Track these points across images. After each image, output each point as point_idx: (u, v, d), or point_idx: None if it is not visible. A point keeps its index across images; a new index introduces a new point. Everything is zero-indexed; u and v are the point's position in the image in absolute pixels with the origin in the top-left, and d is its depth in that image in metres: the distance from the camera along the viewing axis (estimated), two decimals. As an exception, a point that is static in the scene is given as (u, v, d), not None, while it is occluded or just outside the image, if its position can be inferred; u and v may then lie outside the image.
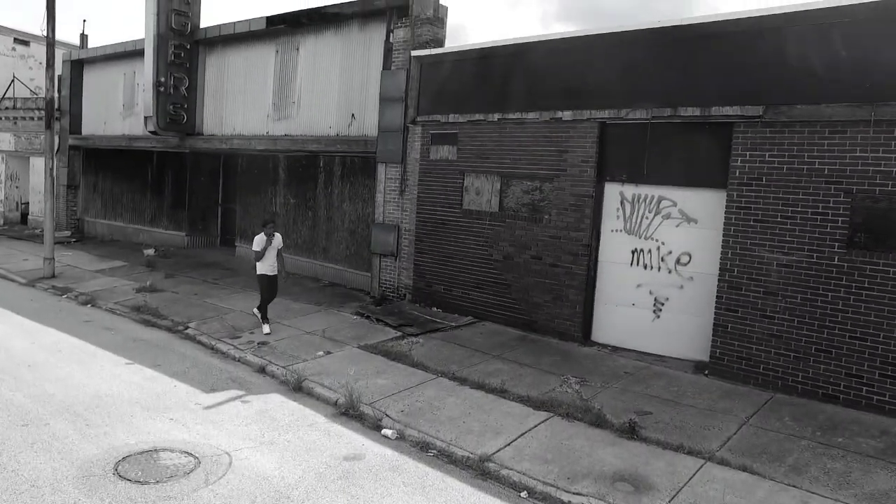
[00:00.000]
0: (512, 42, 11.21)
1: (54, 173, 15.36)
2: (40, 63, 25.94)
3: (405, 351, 10.06)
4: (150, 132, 17.16)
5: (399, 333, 10.99)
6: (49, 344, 10.02)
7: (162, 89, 16.62)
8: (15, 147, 23.12)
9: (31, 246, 19.05)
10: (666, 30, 9.47)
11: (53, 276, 15.02)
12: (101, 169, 21.42)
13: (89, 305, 12.85)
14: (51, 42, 14.98)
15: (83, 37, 23.23)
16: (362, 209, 14.45)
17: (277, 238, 11.02)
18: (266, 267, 10.95)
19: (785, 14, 8.45)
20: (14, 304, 12.60)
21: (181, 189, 19.27)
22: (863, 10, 7.89)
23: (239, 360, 9.77)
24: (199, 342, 10.62)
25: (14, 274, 15.52)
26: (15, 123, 22.92)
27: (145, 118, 17.02)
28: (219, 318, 11.83)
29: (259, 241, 10.83)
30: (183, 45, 16.95)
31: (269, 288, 11.09)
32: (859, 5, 7.88)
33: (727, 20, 8.92)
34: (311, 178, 15.56)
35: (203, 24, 17.17)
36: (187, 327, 11.27)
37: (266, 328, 10.94)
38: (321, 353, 9.96)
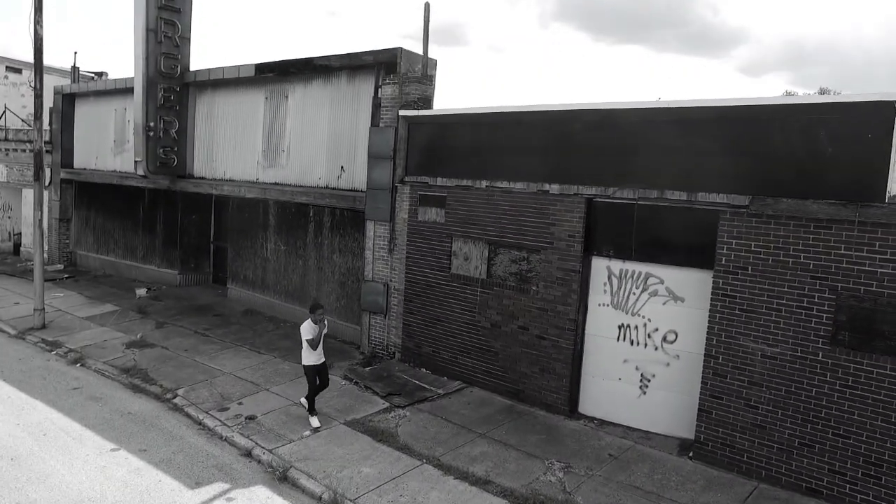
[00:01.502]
0: (500, 110, 11.17)
1: (43, 225, 15.27)
2: (33, 89, 25.84)
3: (392, 428, 10.06)
4: (140, 175, 17.10)
5: (386, 405, 10.98)
6: (34, 424, 10.00)
7: (151, 133, 16.56)
8: (7, 178, 23.05)
9: (23, 285, 18.99)
10: (653, 111, 9.43)
11: (44, 327, 14.99)
12: (93, 203, 21.36)
13: (78, 365, 12.82)
14: (38, 94, 14.90)
15: (74, 69, 23.12)
16: (352, 262, 14.42)
17: (326, 323, 10.31)
18: (315, 356, 10.12)
19: (772, 106, 8.42)
20: (3, 365, 12.58)
21: (173, 227, 19.22)
22: (847, 108, 7.86)
23: (226, 440, 9.75)
24: (188, 415, 10.60)
25: (4, 322, 15.49)
26: (7, 155, 22.83)
27: (135, 162, 16.96)
28: (208, 384, 11.81)
29: (309, 328, 9.98)
30: (172, 88, 16.88)
31: (320, 377, 10.23)
32: (845, 104, 7.85)
33: (713, 107, 8.89)
34: (301, 226, 15.52)
35: (193, 65, 17.11)
36: (176, 395, 11.26)
37: (315, 421, 10.05)
38: (308, 431, 9.95)
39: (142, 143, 16.58)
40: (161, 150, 16.81)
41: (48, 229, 22.05)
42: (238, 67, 15.81)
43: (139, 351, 13.45)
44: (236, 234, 17.42)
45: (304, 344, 10.09)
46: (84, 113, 21.08)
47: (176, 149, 17.09)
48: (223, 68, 16.18)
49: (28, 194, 22.68)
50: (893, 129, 7.56)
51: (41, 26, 14.70)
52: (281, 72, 15.05)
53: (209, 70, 16.54)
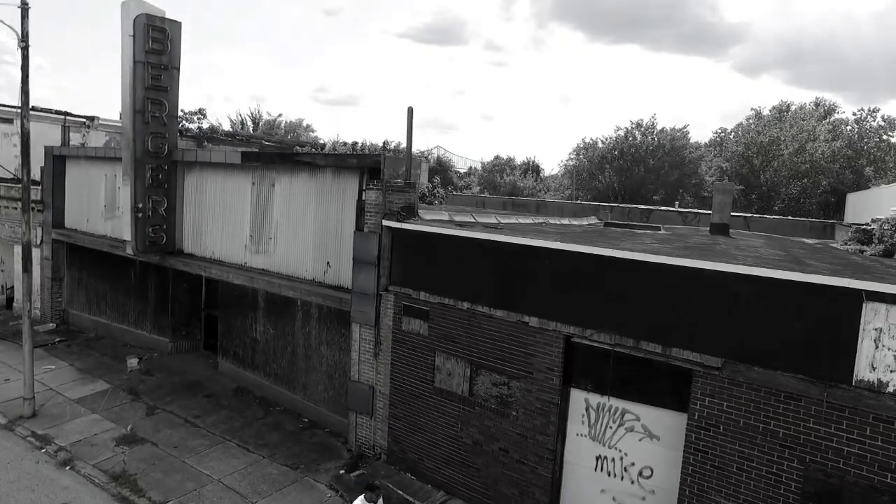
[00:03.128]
0: (484, 238, 11.25)
1: (29, 333, 15.31)
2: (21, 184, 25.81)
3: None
4: (129, 254, 17.19)
5: (370, 527, 11.15)
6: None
7: (140, 215, 16.62)
8: (-1, 234, 23.12)
9: (14, 352, 19.07)
10: (630, 263, 9.53)
11: (34, 415, 15.13)
12: (84, 264, 21.43)
13: (68, 468, 12.97)
14: (26, 187, 14.92)
15: (65, 128, 23.07)
16: (339, 356, 14.56)
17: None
18: None
19: (744, 276, 8.52)
20: (-8, 472, 12.73)
21: (164, 294, 19.32)
22: (818, 290, 7.97)
23: (210, 577, 9.94)
24: (173, 539, 10.78)
25: (-4, 407, 15.62)
26: (-2, 210, 22.89)
27: (125, 241, 17.04)
28: (196, 496, 11.97)
29: None
30: (161, 167, 16.92)
31: None
32: (815, 286, 7.97)
33: (687, 267, 8.99)
34: (290, 314, 15.64)
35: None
36: (162, 512, 11.44)
37: None
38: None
39: (131, 225, 16.65)
40: (150, 229, 16.89)
41: (40, 287, 22.17)
42: (224, 152, 15.88)
43: (129, 449, 13.60)
44: (226, 310, 17.53)
45: None
46: (75, 174, 21.11)
47: (165, 226, 17.16)
48: (210, 151, 16.25)
49: (20, 251, 22.75)
50: (861, 316, 7.68)
51: (28, 120, 14.73)
52: (266, 161, 15.12)
53: (196, 151, 16.61)
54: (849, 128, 66.96)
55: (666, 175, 54.06)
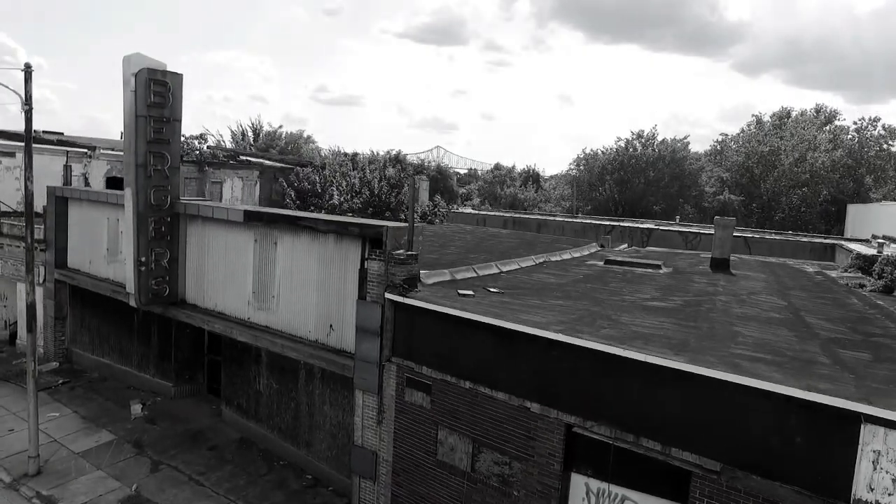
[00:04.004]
0: (484, 321, 11.32)
1: (34, 391, 15.40)
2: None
3: None
4: (132, 305, 17.28)
5: None
6: None
7: (143, 269, 16.71)
8: (2, 272, 23.20)
9: (18, 396, 19.18)
10: (627, 361, 9.61)
11: (39, 473, 15.25)
12: (87, 304, 21.53)
13: (74, 535, 13.13)
14: (29, 248, 15.00)
15: (67, 167, 23.11)
16: (342, 417, 14.67)
17: None
18: None
19: (745, 387, 8.59)
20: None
21: (167, 338, 19.43)
22: (817, 408, 8.05)
23: None
24: None
25: None
26: (1, 248, 22.96)
27: (128, 294, 17.14)
28: (199, 568, 12.12)
29: None
30: (164, 219, 16.98)
31: None
32: (814, 404, 8.05)
33: (689, 373, 9.07)
34: (293, 370, 15.75)
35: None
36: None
37: None
38: None
39: (134, 278, 16.74)
40: (153, 282, 16.97)
41: (43, 326, 22.28)
42: (227, 210, 15.94)
43: (133, 513, 13.75)
44: (230, 360, 17.64)
45: None
46: (77, 216, 21.18)
47: (168, 277, 17.25)
48: (212, 207, 16.32)
49: (22, 288, 22.84)
50: (860, 437, 7.77)
51: (31, 182, 14.80)
52: (268, 220, 15.20)
53: (198, 206, 16.66)
54: (849, 136, 66.98)
55: (666, 186, 54.07)
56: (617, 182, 54.65)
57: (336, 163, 52.50)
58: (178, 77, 16.94)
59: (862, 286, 22.84)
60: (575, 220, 39.80)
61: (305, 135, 61.43)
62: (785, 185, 60.38)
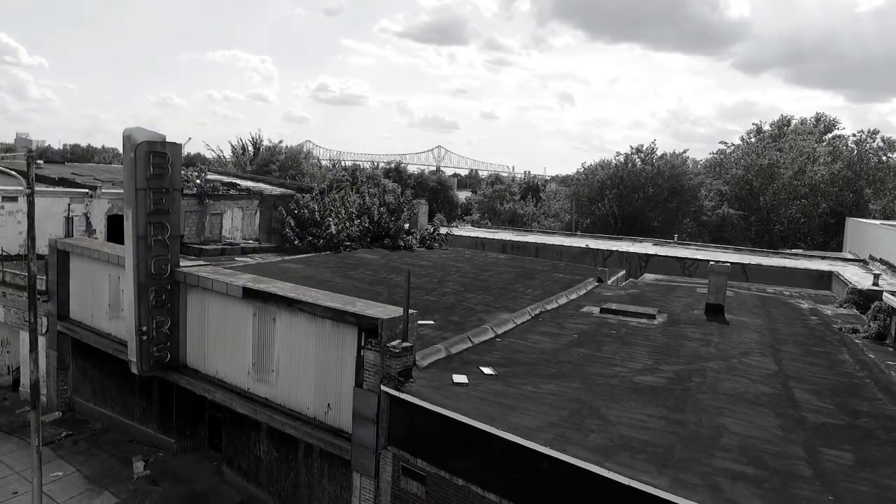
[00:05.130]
0: (476, 426, 11.58)
1: (39, 465, 15.68)
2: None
3: None
4: (133, 372, 17.58)
5: None
6: None
7: (145, 338, 17.00)
8: (4, 319, 23.52)
9: (22, 455, 19.50)
10: (612, 482, 9.88)
11: (45, 544, 15.62)
12: (90, 356, 21.82)
13: None
14: (33, 328, 15.28)
15: (68, 219, 23.37)
16: (340, 493, 14.98)
17: None
18: None
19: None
20: None
21: (169, 393, 19.72)
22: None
23: None
24: None
25: (7, 531, 16.11)
26: (4, 296, 23.27)
27: (129, 361, 17.43)
28: None
29: None
30: (164, 287, 17.27)
31: None
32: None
33: (668, 501, 9.35)
34: (293, 442, 15.99)
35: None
36: None
37: None
38: None
39: (135, 346, 17.03)
40: (154, 349, 17.27)
41: (46, 375, 22.60)
42: (226, 285, 16.20)
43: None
44: (231, 423, 17.93)
45: None
46: (78, 269, 21.46)
47: (169, 343, 17.54)
48: (212, 280, 16.57)
49: (25, 336, 23.16)
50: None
51: (34, 262, 15.06)
52: (267, 298, 15.47)
53: (198, 277, 16.93)
54: (850, 144, 67.03)
55: (665, 202, 54.28)
56: (616, 197, 54.88)
57: (336, 179, 52.79)
58: (176, 147, 17.20)
59: (855, 331, 23.12)
60: (573, 245, 40.00)
61: (305, 149, 61.63)
62: (784, 198, 60.57)
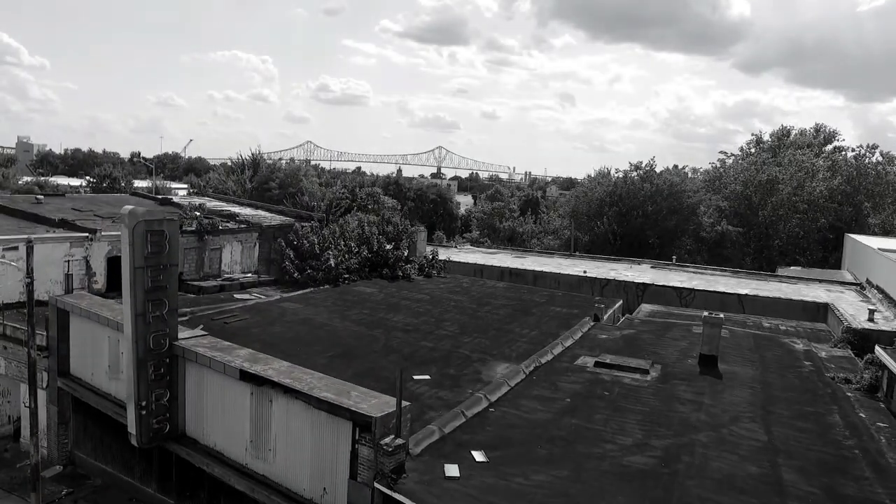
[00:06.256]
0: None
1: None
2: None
3: None
4: (133, 445, 17.86)
5: None
6: None
7: (144, 412, 17.27)
8: (6, 371, 23.83)
9: (24, 514, 19.88)
10: None
11: None
12: (90, 413, 22.07)
13: None
14: (34, 425, 15.55)
15: (68, 276, 23.63)
16: (335, 575, 15.27)
17: None
18: None
19: None
20: None
21: (168, 455, 19.98)
22: None
23: None
24: None
25: None
26: (5, 349, 23.57)
27: (129, 433, 17.72)
28: None
29: None
30: (163, 361, 17.53)
31: None
32: None
33: None
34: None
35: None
36: None
37: None
38: None
39: (135, 419, 17.31)
40: (154, 421, 17.55)
41: (46, 429, 22.93)
42: (224, 365, 16.47)
43: None
44: (230, 492, 18.20)
45: None
46: (79, 328, 21.72)
47: (168, 415, 17.82)
48: (209, 359, 16.83)
49: (25, 389, 23.46)
50: None
51: (36, 359, 15.33)
52: (263, 382, 15.73)
53: (196, 354, 17.18)
54: (849, 157, 67.03)
55: (664, 220, 54.44)
56: (615, 215, 55.05)
57: (335, 199, 52.94)
58: (174, 223, 17.44)
59: (847, 381, 23.35)
60: (571, 274, 40.23)
61: (304, 169, 61.80)
62: (783, 214, 60.71)
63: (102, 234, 28.51)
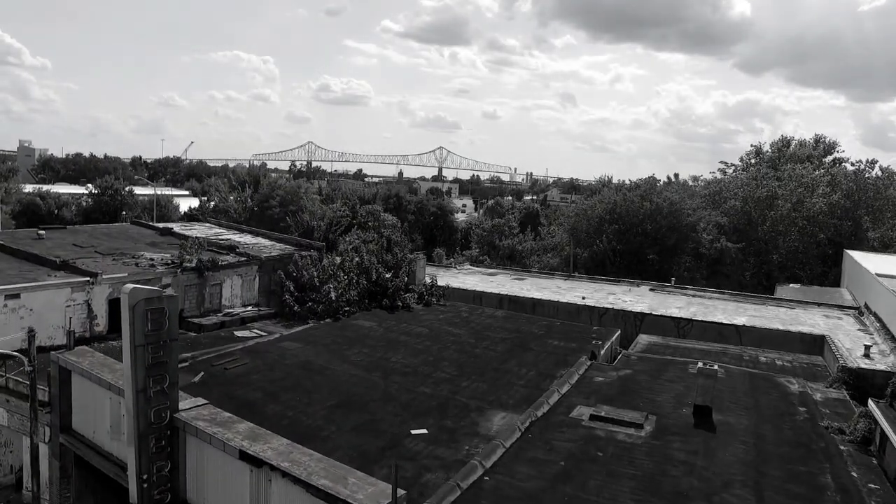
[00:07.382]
0: None
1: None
2: (31, 310, 26.78)
3: None
4: None
5: None
6: None
7: (146, 485, 17.57)
8: (8, 424, 24.15)
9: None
10: None
11: None
12: (91, 469, 22.40)
13: None
14: (35, 493, 15.85)
15: (71, 334, 23.86)
16: None
17: None
18: None
19: None
20: None
21: (169, 516, 20.35)
22: None
23: None
24: None
25: None
26: (8, 402, 23.89)
27: (130, 504, 18.04)
28: None
29: None
30: (164, 433, 17.80)
31: None
32: None
33: None
34: None
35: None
36: None
37: None
38: None
39: (136, 491, 17.60)
40: (155, 492, 17.83)
41: (49, 483, 23.27)
42: (223, 444, 16.73)
43: None
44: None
45: None
46: (80, 385, 21.96)
47: (170, 485, 18.10)
48: (210, 436, 17.09)
49: (27, 441, 23.79)
50: None
51: (36, 432, 15.60)
52: (262, 463, 16.00)
53: (196, 429, 17.44)
54: (848, 169, 67.09)
55: (664, 238, 54.61)
56: (615, 233, 55.23)
57: (336, 217, 53.15)
58: (174, 300, 17.67)
59: (841, 431, 23.63)
60: (569, 302, 40.48)
61: (304, 188, 61.96)
62: (782, 229, 60.88)
63: (104, 277, 28.76)
